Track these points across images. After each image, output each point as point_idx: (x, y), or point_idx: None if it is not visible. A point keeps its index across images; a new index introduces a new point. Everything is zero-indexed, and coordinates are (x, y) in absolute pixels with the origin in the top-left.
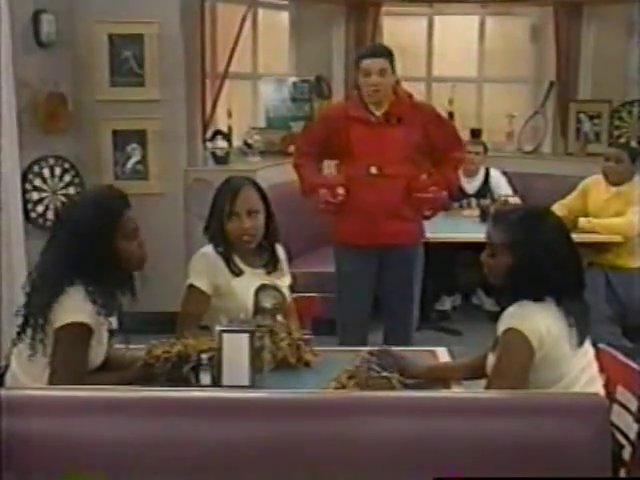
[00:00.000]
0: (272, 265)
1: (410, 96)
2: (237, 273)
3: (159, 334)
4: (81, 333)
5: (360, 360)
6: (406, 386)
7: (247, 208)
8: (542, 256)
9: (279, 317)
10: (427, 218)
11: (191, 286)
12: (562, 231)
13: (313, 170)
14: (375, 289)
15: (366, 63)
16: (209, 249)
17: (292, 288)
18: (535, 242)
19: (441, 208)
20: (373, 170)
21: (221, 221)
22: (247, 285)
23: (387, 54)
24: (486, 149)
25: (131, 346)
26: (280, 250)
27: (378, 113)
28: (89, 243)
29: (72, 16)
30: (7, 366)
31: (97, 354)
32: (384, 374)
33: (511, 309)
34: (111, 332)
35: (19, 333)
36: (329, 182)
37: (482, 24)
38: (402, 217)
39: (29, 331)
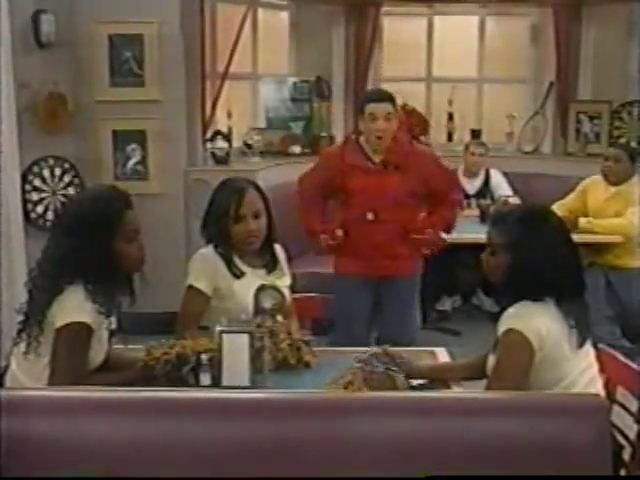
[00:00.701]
0: (272, 265)
1: (411, 142)
2: (238, 275)
3: (158, 334)
4: (81, 333)
5: (365, 358)
6: (411, 387)
7: (253, 210)
8: (542, 256)
9: (279, 317)
10: (425, 256)
11: (191, 287)
12: (562, 231)
13: (315, 216)
14: (373, 318)
15: (372, 107)
16: (208, 250)
17: (292, 288)
18: (535, 242)
19: (438, 247)
20: (369, 216)
21: (224, 224)
22: (247, 286)
23: (392, 99)
24: (486, 149)
25: (131, 346)
26: (279, 250)
27: (376, 160)
28: (89, 243)
29: (72, 16)
30: (7, 366)
31: (97, 354)
32: (389, 372)
33: (511, 310)
34: (111, 332)
35: (20, 331)
36: (327, 228)
37: (482, 24)
38: (398, 256)
39: (28, 329)
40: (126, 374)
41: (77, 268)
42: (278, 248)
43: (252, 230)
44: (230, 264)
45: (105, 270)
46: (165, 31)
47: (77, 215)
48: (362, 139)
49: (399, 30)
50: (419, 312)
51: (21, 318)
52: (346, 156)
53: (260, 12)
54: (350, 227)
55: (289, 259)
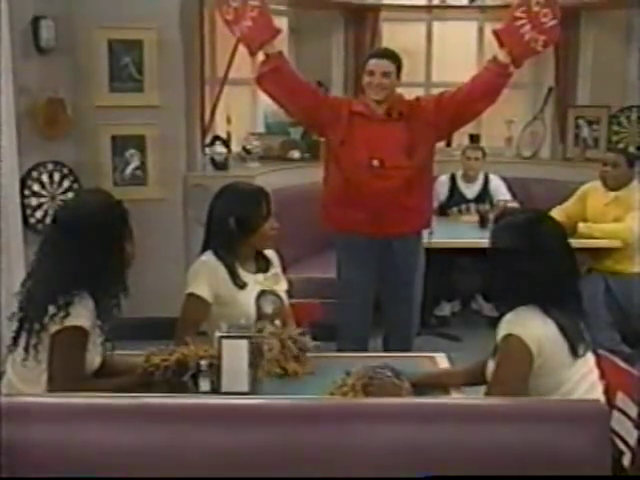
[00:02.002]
0: (265, 266)
1: (412, 97)
2: (241, 286)
3: (157, 339)
4: (77, 336)
5: (369, 367)
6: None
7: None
8: (541, 262)
9: (277, 322)
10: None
11: (191, 295)
12: (561, 238)
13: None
14: (376, 289)
15: (372, 63)
16: (209, 257)
17: (289, 293)
18: (534, 248)
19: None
20: (375, 163)
21: (250, 226)
22: (248, 292)
23: (394, 58)
24: (485, 154)
25: (129, 352)
26: (272, 254)
27: (380, 110)
28: (101, 249)
29: (71, 22)
30: (2, 373)
31: (93, 357)
32: (394, 380)
33: (510, 315)
34: (107, 337)
35: (15, 339)
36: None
37: (481, 30)
38: (405, 207)
39: (24, 336)
40: (125, 380)
41: (84, 274)
42: (270, 252)
43: (275, 226)
44: (233, 273)
45: (116, 274)
46: (164, 37)
47: (82, 223)
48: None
49: (398, 36)
50: (421, 287)
51: (16, 324)
52: (352, 104)
53: None
54: (354, 175)
55: (288, 264)
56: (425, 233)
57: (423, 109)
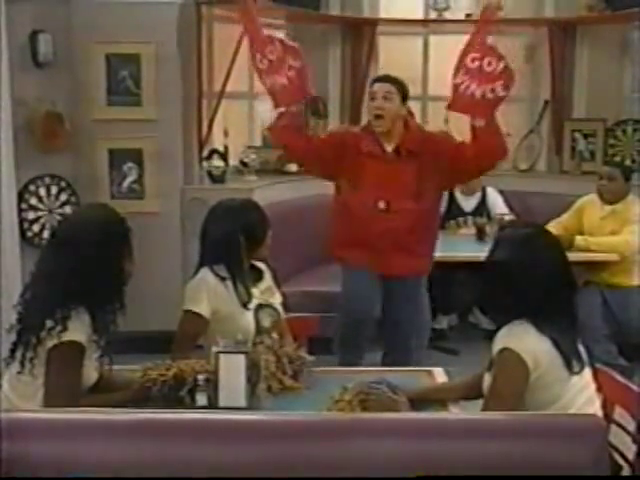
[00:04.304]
0: (257, 277)
1: (422, 129)
2: (245, 303)
3: (155, 353)
4: (74, 352)
5: (367, 383)
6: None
7: None
8: (539, 276)
9: (274, 335)
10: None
11: (189, 312)
12: (559, 252)
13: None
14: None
15: (374, 87)
16: (206, 275)
17: (284, 306)
18: (531, 262)
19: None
20: (381, 205)
21: (262, 238)
22: (248, 307)
23: (395, 81)
24: None
25: (126, 367)
26: (263, 266)
27: (389, 148)
28: (101, 265)
29: (69, 36)
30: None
31: (89, 372)
32: (392, 395)
33: (506, 329)
34: (103, 352)
35: (12, 351)
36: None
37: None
38: (409, 251)
39: (21, 349)
40: (122, 395)
41: (83, 289)
42: (262, 265)
43: (270, 234)
44: (238, 292)
45: (115, 290)
46: (162, 51)
47: (81, 238)
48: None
49: (395, 49)
50: (429, 310)
51: (13, 338)
52: (361, 141)
53: None
54: (359, 216)
55: (284, 277)
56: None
57: (436, 152)
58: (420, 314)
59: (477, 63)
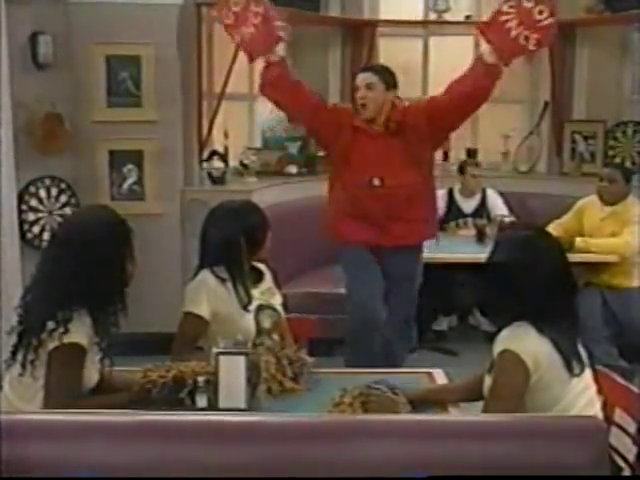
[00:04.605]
0: (257, 278)
1: (406, 106)
2: (246, 305)
3: (155, 355)
4: (75, 353)
5: (367, 384)
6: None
7: None
8: (539, 278)
9: (275, 336)
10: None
11: (189, 313)
12: (559, 254)
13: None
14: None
15: (357, 78)
16: (207, 276)
17: (285, 307)
18: (532, 264)
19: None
20: (375, 182)
21: (262, 239)
22: (249, 309)
23: (378, 70)
24: (480, 169)
25: (127, 368)
26: (263, 267)
27: (377, 126)
28: (102, 267)
29: (69, 38)
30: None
31: (90, 374)
32: (392, 396)
33: (506, 331)
34: (105, 353)
35: (13, 353)
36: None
37: (477, 45)
38: (409, 220)
39: (21, 351)
40: (123, 397)
41: (84, 291)
42: (263, 266)
43: (269, 235)
44: (239, 294)
45: (116, 291)
46: (162, 52)
47: (83, 240)
48: None
49: (395, 51)
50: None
51: (14, 340)
52: (354, 119)
53: None
54: (355, 194)
55: (285, 279)
56: (432, 243)
57: (416, 122)
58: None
59: (531, 4)
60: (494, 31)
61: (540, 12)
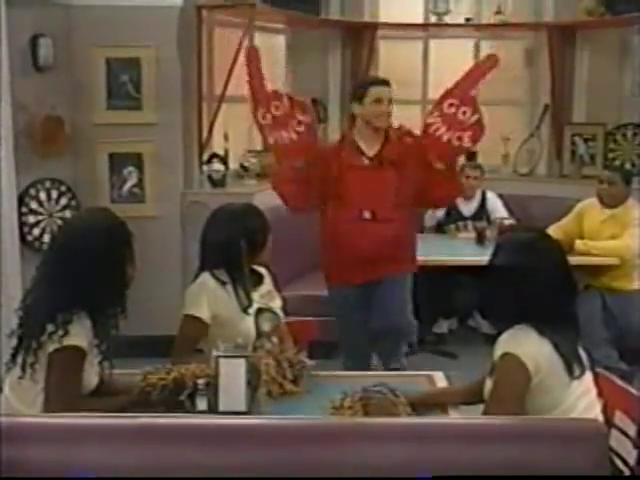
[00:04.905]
0: (257, 281)
1: (399, 137)
2: (245, 308)
3: (154, 357)
4: (75, 356)
5: (367, 387)
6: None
7: None
8: (540, 281)
9: (274, 339)
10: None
11: (190, 316)
12: (560, 257)
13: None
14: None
15: (379, 90)
16: (207, 279)
17: (284, 310)
18: (533, 267)
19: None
20: (366, 215)
21: (263, 242)
22: (248, 312)
23: (389, 84)
24: (482, 172)
25: (127, 371)
26: (263, 270)
27: (371, 154)
28: (102, 270)
29: (70, 40)
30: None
31: (90, 377)
32: (392, 398)
33: (507, 334)
34: (104, 356)
35: (13, 356)
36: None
37: (477, 48)
38: (394, 257)
39: (21, 353)
40: (123, 400)
41: (84, 294)
42: (262, 270)
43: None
44: (239, 297)
45: (117, 295)
46: (162, 54)
47: (83, 242)
48: (355, 133)
49: (395, 53)
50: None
51: (14, 343)
52: (343, 152)
53: (257, 36)
54: (346, 228)
55: (283, 282)
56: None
57: (412, 155)
58: (404, 315)
59: (453, 110)
60: (429, 142)
61: (464, 113)
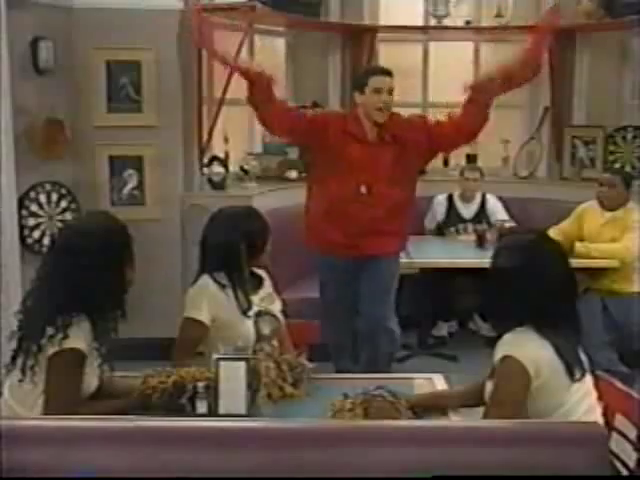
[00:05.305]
0: (257, 284)
1: (400, 115)
2: (245, 310)
3: (155, 360)
4: (75, 359)
5: (364, 391)
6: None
7: None
8: (541, 284)
9: (274, 342)
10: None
11: (190, 319)
12: (562, 259)
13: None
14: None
15: (378, 80)
16: (207, 281)
17: (284, 313)
18: (534, 270)
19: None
20: (363, 189)
21: (263, 244)
22: (248, 315)
23: (391, 74)
24: (482, 174)
25: (127, 374)
26: (263, 273)
27: (373, 134)
28: (102, 273)
29: (70, 43)
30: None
31: (90, 380)
32: (393, 401)
33: (508, 336)
34: (104, 358)
35: (13, 358)
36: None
37: (477, 51)
38: (385, 232)
39: (21, 356)
40: (123, 403)
41: (84, 297)
42: (262, 272)
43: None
44: (239, 299)
45: (116, 298)
46: (162, 57)
47: (83, 246)
48: (360, 113)
49: (395, 56)
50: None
51: (14, 345)
52: (346, 124)
53: (257, 38)
54: (340, 200)
55: (284, 284)
56: (402, 255)
57: (416, 137)
58: (385, 312)
59: None
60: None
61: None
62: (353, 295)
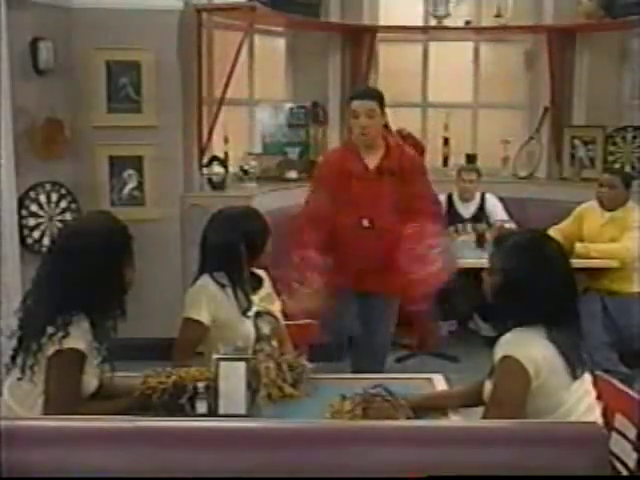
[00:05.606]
0: (257, 284)
1: (399, 145)
2: (245, 310)
3: (155, 360)
4: (74, 359)
5: (363, 391)
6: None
7: None
8: (541, 283)
9: (274, 342)
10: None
11: (189, 319)
12: (563, 259)
13: (310, 245)
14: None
15: (355, 104)
16: (207, 281)
17: (284, 313)
18: (534, 269)
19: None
20: (365, 223)
21: (262, 245)
22: (248, 315)
23: (376, 97)
24: (480, 175)
25: (127, 374)
26: (262, 273)
27: (372, 165)
28: (102, 273)
29: (70, 43)
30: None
31: (90, 380)
32: (393, 401)
33: (507, 336)
34: (104, 358)
35: (13, 357)
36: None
37: (477, 51)
38: (388, 269)
39: (21, 355)
40: (122, 403)
41: (83, 297)
42: (262, 273)
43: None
44: (239, 299)
45: (115, 298)
46: (162, 57)
47: (83, 245)
48: (353, 138)
49: (395, 56)
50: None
51: (14, 345)
52: (345, 160)
53: (257, 39)
54: (343, 235)
55: (284, 285)
56: None
57: (413, 167)
58: (387, 330)
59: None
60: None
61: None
62: (351, 324)
